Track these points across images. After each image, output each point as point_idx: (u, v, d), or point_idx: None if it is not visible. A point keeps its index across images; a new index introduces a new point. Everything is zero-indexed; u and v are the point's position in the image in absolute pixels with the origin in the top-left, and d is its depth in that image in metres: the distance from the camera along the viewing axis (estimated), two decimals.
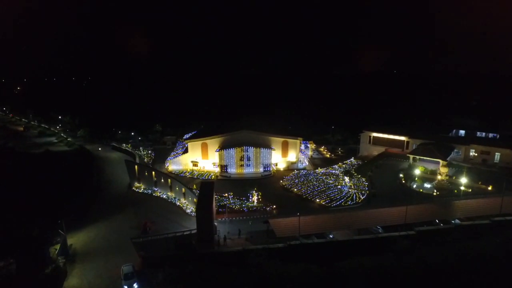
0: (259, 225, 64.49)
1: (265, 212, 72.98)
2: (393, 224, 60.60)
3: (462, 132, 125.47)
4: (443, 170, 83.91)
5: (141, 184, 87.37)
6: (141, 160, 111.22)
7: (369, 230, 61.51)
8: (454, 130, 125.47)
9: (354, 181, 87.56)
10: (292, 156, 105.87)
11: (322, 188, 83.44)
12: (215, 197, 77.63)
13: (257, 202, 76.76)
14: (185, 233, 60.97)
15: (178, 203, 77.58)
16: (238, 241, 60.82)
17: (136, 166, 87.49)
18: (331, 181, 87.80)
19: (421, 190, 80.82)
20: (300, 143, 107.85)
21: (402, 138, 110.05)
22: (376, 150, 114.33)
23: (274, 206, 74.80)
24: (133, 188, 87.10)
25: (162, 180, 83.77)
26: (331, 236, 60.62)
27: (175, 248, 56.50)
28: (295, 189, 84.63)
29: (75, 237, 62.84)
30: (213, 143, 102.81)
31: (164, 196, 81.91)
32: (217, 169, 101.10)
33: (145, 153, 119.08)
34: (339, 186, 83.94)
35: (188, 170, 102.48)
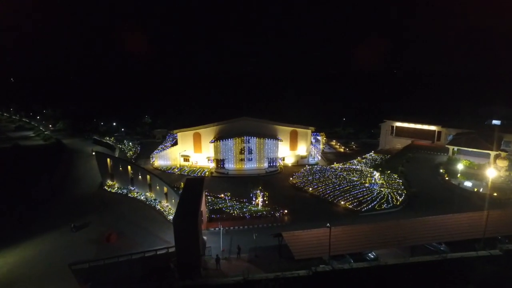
0: (267, 239, 44.03)
1: (274, 219, 52.65)
2: (464, 238, 40.30)
3: (495, 122, 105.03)
4: (501, 163, 63.63)
5: (114, 182, 66.93)
6: (122, 154, 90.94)
7: (428, 247, 41.22)
8: (486, 121, 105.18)
9: (384, 177, 67.33)
10: (302, 149, 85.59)
11: (346, 186, 63.13)
12: (208, 199, 57.47)
13: (262, 205, 56.52)
14: (159, 252, 40.48)
15: (158, 207, 57.17)
16: (237, 263, 40.52)
17: (108, 160, 66.99)
18: (355, 178, 67.50)
19: (475, 189, 60.52)
20: (311, 134, 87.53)
21: (433, 127, 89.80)
22: (400, 143, 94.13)
23: (286, 211, 54.51)
24: (105, 187, 66.71)
25: (140, 176, 63.37)
26: (371, 256, 40.34)
27: (142, 277, 36.28)
28: (310, 188, 64.33)
29: (2, 258, 42.40)
30: (207, 133, 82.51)
31: (142, 198, 61.54)
32: (212, 165, 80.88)
33: (128, 146, 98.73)
34: (367, 185, 63.60)
35: (178, 166, 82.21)
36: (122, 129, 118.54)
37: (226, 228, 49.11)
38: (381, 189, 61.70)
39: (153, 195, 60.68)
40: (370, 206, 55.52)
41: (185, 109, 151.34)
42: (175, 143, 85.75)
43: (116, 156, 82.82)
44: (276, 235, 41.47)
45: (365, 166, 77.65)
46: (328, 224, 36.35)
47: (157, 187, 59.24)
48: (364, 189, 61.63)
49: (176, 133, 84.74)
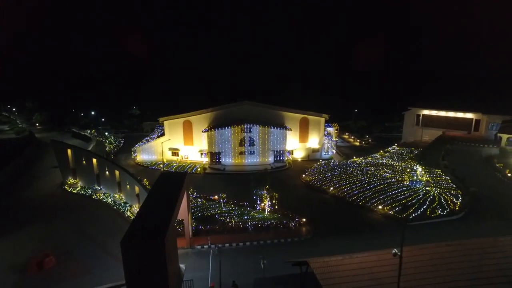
0: (281, 266, 27.54)
1: (288, 232, 36.18)
2: None
3: None
4: None
5: (77, 180, 50.52)
6: (99, 147, 74.76)
7: None
8: None
9: (426, 173, 51.04)
10: (313, 141, 69.39)
11: (379, 185, 46.74)
12: (196, 202, 41.17)
13: (269, 211, 40.18)
14: None
15: (128, 213, 40.75)
16: None
17: (69, 151, 50.43)
18: (388, 174, 51.20)
19: None
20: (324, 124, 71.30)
21: (469, 115, 73.54)
22: (428, 134, 77.97)
23: (303, 220, 38.06)
24: (65, 186, 50.27)
25: (107, 172, 46.93)
26: None
27: None
28: (331, 188, 47.97)
29: None
30: (200, 121, 66.28)
31: (110, 201, 45.12)
32: (206, 159, 64.63)
33: (109, 139, 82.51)
34: (406, 183, 47.23)
35: (165, 161, 65.97)
36: (103, 119, 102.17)
37: (219, 245, 32.76)
38: (427, 188, 45.35)
39: (123, 197, 44.32)
40: (419, 212, 39.18)
41: (181, 100, 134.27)
42: (163, 135, 69.64)
43: (89, 149, 66.69)
44: (297, 263, 24.96)
45: (391, 161, 61.58)
46: (395, 250, 19.95)
47: (128, 186, 42.84)
48: (404, 188, 45.26)
49: (162, 121, 68.52)
